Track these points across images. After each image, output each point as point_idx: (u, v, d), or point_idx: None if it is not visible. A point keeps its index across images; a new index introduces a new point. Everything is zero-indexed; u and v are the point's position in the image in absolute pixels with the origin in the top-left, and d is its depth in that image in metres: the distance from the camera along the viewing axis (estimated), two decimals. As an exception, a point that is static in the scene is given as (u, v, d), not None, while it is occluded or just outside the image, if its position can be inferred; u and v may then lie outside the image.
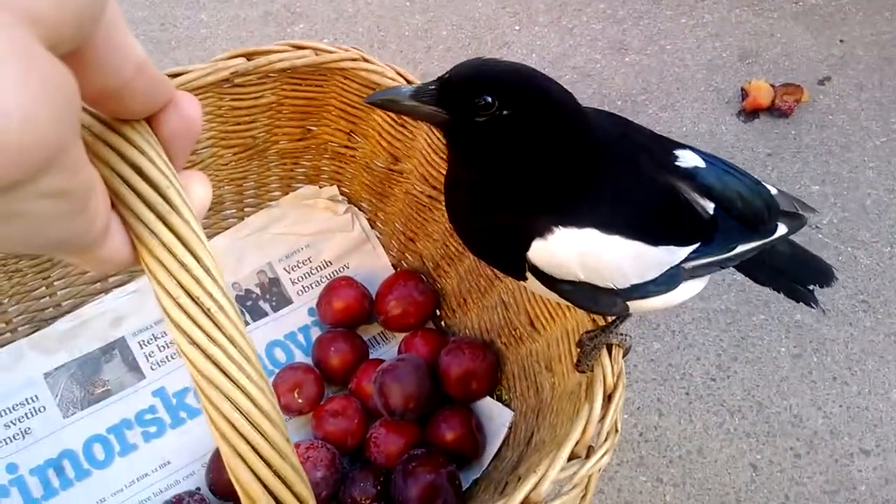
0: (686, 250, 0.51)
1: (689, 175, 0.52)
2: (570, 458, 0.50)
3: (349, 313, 0.79)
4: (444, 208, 0.75)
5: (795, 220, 0.58)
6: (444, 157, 0.70)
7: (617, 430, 0.53)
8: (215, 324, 0.26)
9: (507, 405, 0.74)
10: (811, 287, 0.63)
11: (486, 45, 1.24)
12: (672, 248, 0.50)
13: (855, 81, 1.19)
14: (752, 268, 0.61)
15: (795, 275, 0.63)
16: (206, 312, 0.26)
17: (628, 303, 0.52)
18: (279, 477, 0.27)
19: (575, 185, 0.47)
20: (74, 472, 0.72)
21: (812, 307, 0.64)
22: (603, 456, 0.51)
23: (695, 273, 0.54)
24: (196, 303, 0.26)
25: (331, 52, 0.69)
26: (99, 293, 0.80)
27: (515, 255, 0.49)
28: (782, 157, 1.11)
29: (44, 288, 0.76)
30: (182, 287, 0.26)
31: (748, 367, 0.93)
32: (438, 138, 0.69)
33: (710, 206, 0.52)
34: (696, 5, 1.29)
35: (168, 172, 0.26)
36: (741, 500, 0.84)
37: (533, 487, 0.48)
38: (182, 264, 0.26)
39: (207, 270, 0.26)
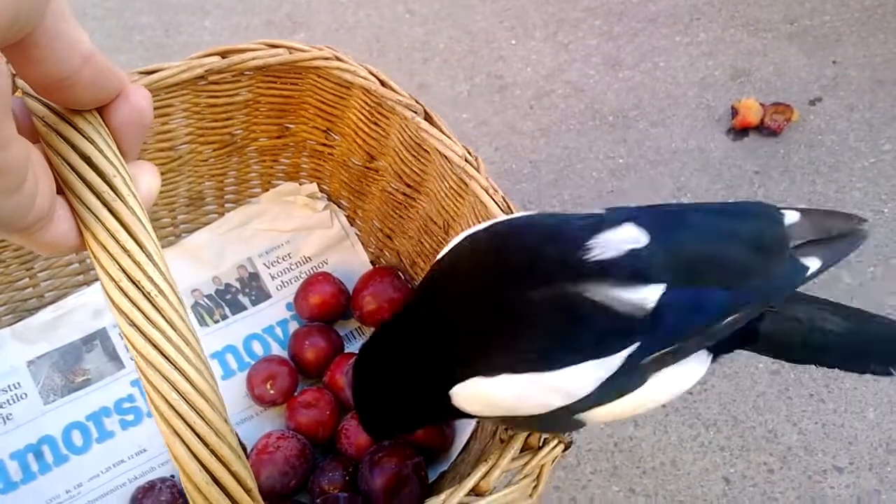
0: (617, 357, 0.44)
1: (610, 266, 0.44)
2: (523, 450, 0.52)
3: (325, 308, 0.80)
4: (419, 206, 0.77)
5: (834, 247, 0.47)
6: (416, 155, 0.72)
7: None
8: (155, 307, 0.27)
9: None
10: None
11: (482, 59, 1.26)
12: (593, 362, 0.44)
13: (846, 102, 1.20)
14: (792, 351, 0.51)
15: (862, 348, 0.50)
16: (147, 296, 0.27)
17: (581, 416, 0.47)
18: (216, 455, 0.28)
19: (452, 350, 0.48)
20: (53, 458, 0.74)
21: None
22: (555, 447, 0.53)
23: (667, 363, 0.46)
24: (137, 286, 0.27)
25: (304, 51, 0.70)
26: (81, 285, 0.82)
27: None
28: (770, 176, 1.12)
29: (27, 279, 0.78)
30: (124, 271, 0.27)
31: (726, 381, 0.93)
32: (410, 136, 0.71)
33: (648, 296, 0.44)
34: (690, 24, 1.30)
35: (116, 161, 0.28)
36: (712, 512, 0.84)
37: (483, 476, 0.50)
38: (125, 249, 0.27)
39: (150, 256, 0.27)
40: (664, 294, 0.44)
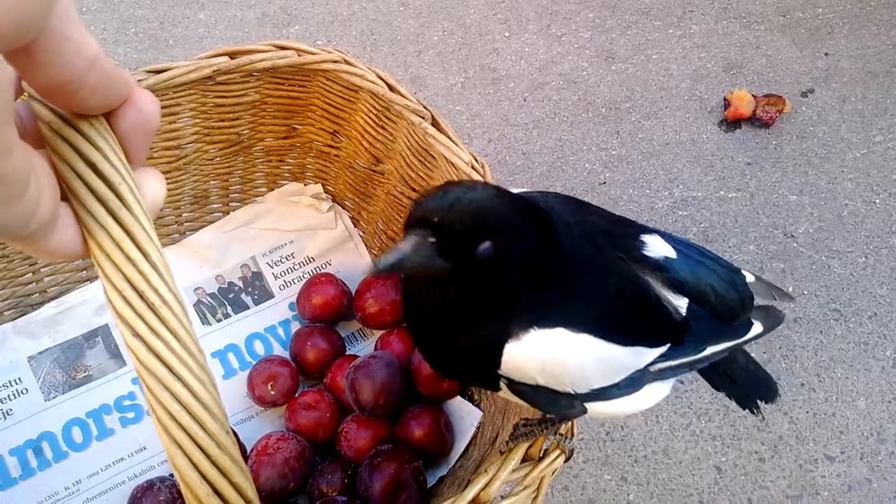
0: (654, 352, 0.47)
1: (660, 267, 0.47)
2: (524, 460, 0.52)
3: (328, 309, 0.80)
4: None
5: (771, 317, 0.54)
6: (423, 160, 0.72)
7: (573, 435, 0.54)
8: (159, 318, 0.27)
9: (478, 405, 0.75)
10: (758, 400, 0.60)
11: (475, 52, 1.26)
12: (640, 349, 0.46)
13: (838, 94, 1.21)
14: (712, 374, 0.57)
15: (748, 387, 0.59)
16: (151, 307, 0.27)
17: (588, 405, 0.48)
18: (217, 467, 0.28)
19: (546, 286, 0.44)
20: (52, 454, 0.74)
21: (754, 414, 0.61)
22: (555, 459, 0.52)
23: (660, 376, 0.49)
24: (141, 297, 0.27)
25: (313, 54, 0.69)
26: (84, 281, 0.81)
27: (490, 367, 0.46)
28: (762, 167, 1.13)
29: (30, 274, 0.78)
30: (128, 281, 0.26)
31: (718, 370, 0.94)
32: (417, 141, 0.71)
33: (682, 305, 0.47)
34: (683, 16, 1.31)
35: (121, 168, 0.27)
36: (704, 502, 0.85)
37: (484, 487, 0.49)
38: (129, 259, 0.26)
39: (154, 266, 0.27)
40: (688, 307, 0.47)
